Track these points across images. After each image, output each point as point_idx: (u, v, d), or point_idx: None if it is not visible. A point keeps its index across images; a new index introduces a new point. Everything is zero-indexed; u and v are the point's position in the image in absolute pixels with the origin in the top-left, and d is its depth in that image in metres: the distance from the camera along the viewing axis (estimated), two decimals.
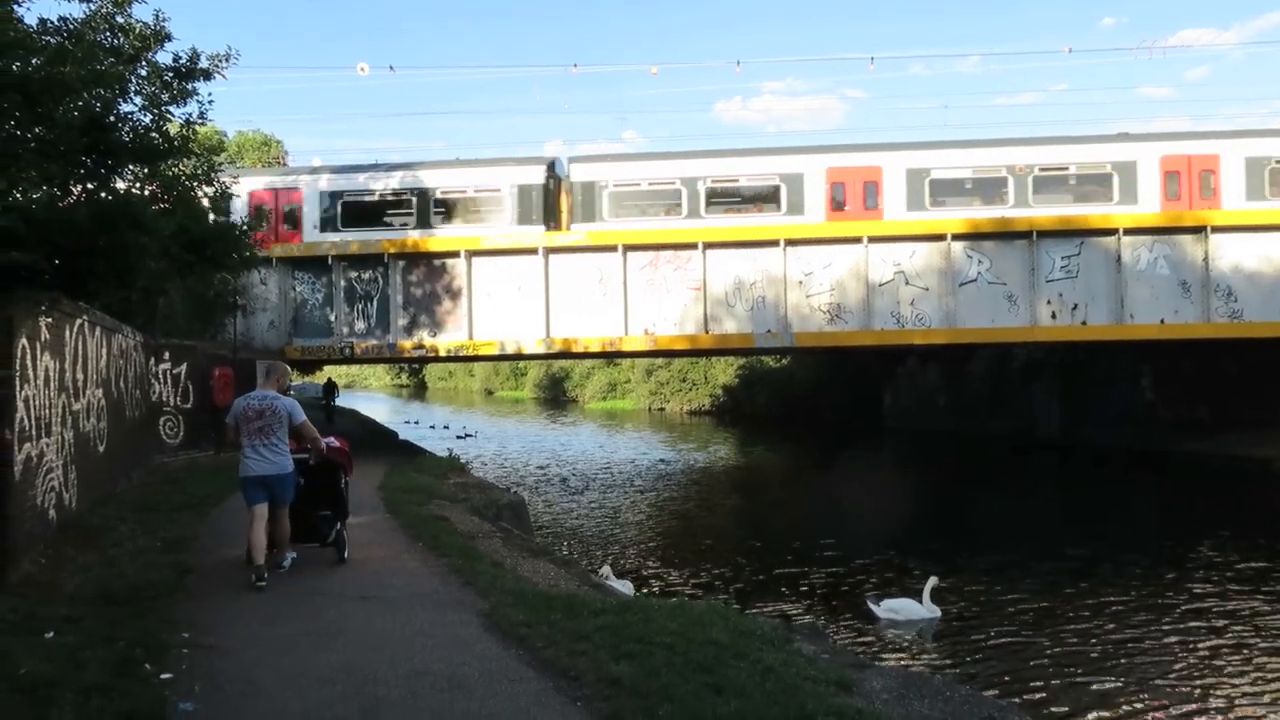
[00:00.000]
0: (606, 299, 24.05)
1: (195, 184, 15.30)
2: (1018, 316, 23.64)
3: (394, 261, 24.50)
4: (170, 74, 13.46)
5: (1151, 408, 31.65)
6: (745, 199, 24.36)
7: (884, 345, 26.34)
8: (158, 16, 13.17)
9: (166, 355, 18.63)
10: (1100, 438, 31.39)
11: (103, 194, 11.84)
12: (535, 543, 13.63)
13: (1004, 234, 23.44)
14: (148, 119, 13.07)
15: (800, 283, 23.87)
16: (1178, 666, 10.67)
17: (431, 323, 24.62)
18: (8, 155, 9.53)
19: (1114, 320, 23.42)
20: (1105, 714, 9.26)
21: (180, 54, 13.59)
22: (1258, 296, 23.23)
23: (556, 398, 77.80)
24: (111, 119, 12.03)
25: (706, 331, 24.12)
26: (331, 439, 9.65)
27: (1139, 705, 9.48)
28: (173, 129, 13.55)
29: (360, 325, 24.79)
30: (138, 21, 12.99)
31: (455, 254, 24.23)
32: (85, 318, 11.01)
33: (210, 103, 13.86)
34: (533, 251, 23.96)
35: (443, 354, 25.70)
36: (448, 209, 24.48)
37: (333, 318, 24.69)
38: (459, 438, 40.45)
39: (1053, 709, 9.33)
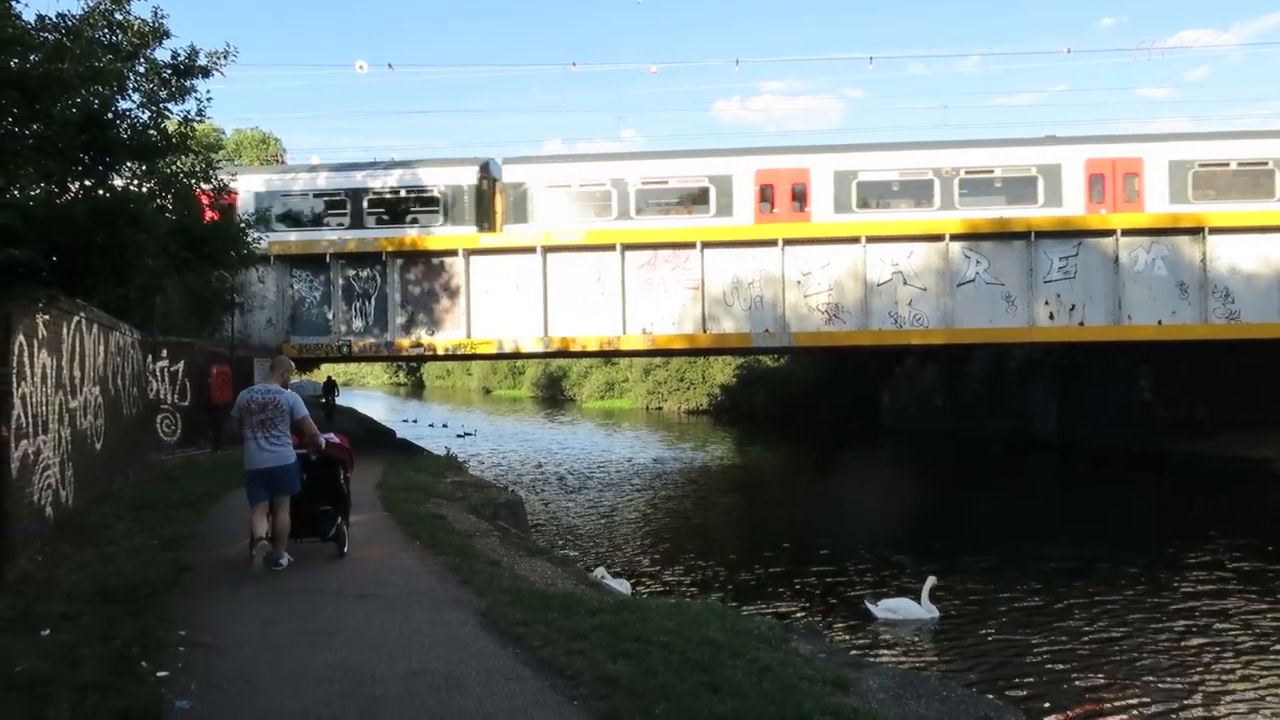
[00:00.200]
0: (605, 298, 24.05)
1: (193, 181, 15.28)
2: (1015, 317, 23.66)
3: (392, 260, 24.49)
4: (169, 71, 13.43)
5: (1149, 408, 31.69)
6: (675, 200, 24.45)
7: (882, 345, 26.37)
8: (156, 13, 13.16)
9: (164, 353, 18.63)
10: (1097, 438, 31.42)
11: (100, 191, 11.83)
12: (532, 541, 13.65)
13: (1002, 234, 23.46)
14: (146, 116, 13.05)
15: (798, 282, 23.88)
16: (1174, 666, 10.70)
17: (429, 321, 24.61)
18: (5, 152, 9.52)
19: (1112, 321, 23.45)
20: (1101, 713, 9.28)
21: (179, 51, 13.57)
22: (1255, 298, 23.26)
23: (554, 396, 77.78)
24: (110, 116, 12.01)
25: (704, 331, 24.13)
26: (331, 435, 9.74)
27: (1135, 704, 9.50)
28: (171, 126, 13.53)
29: (358, 323, 24.78)
30: (136, 18, 12.97)
31: (453, 252, 24.23)
32: (83, 315, 11.00)
33: (209, 100, 13.84)
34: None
35: (440, 352, 25.70)
36: (382, 209, 24.51)
37: (330, 316, 24.68)
38: (458, 436, 40.44)
39: (1049, 708, 9.35)
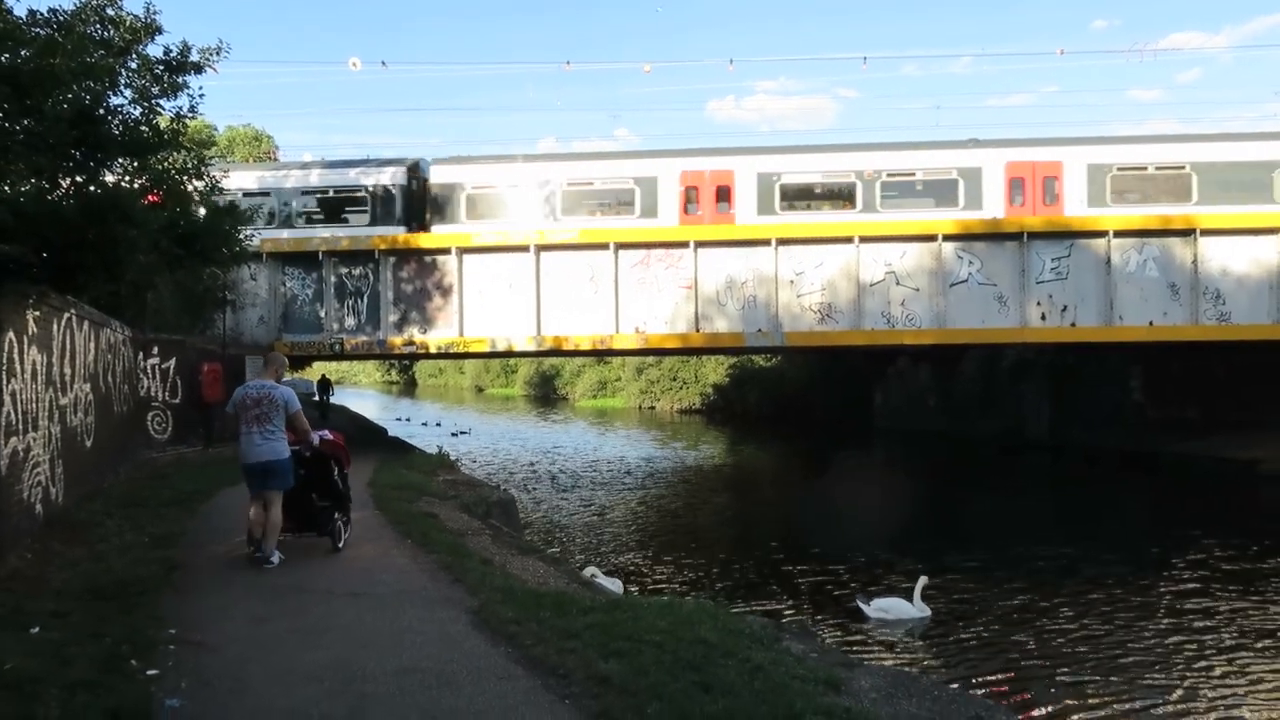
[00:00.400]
0: (598, 297, 24.04)
1: (185, 178, 15.24)
2: (1008, 317, 23.71)
3: (384, 257, 24.42)
4: (161, 67, 13.42)
5: (1140, 409, 31.81)
6: (601, 202, 24.50)
7: (875, 345, 26.40)
8: (148, 9, 13.13)
9: (155, 350, 18.55)
10: (1089, 438, 31.53)
11: (92, 187, 11.79)
12: (524, 540, 13.64)
13: (994, 235, 23.52)
14: (138, 112, 13.03)
15: (791, 282, 23.90)
16: (1164, 664, 10.74)
17: (422, 319, 24.56)
18: None
19: (1103, 322, 23.52)
20: (1092, 712, 9.31)
21: (171, 47, 13.58)
22: (1245, 299, 23.35)
23: (547, 395, 77.75)
24: (101, 112, 12.00)
25: (697, 330, 24.13)
26: (325, 432, 9.86)
27: (1126, 703, 9.54)
28: (163, 122, 13.50)
29: (350, 321, 24.72)
30: (128, 14, 12.95)
31: (446, 250, 24.20)
32: (73, 312, 10.95)
33: (201, 96, 13.84)
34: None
35: (433, 351, 25.65)
36: (314, 209, 24.50)
37: (323, 313, 24.61)
38: (453, 435, 40.37)
39: (1040, 708, 9.38)
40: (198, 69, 13.74)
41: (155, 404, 18.67)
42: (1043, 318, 23.63)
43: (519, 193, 24.35)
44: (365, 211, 24.49)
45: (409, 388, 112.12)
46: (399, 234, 24.13)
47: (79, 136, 11.15)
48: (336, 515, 9.49)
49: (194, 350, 20.33)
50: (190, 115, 13.95)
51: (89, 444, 12.17)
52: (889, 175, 23.78)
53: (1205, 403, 29.64)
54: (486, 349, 25.27)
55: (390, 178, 24.56)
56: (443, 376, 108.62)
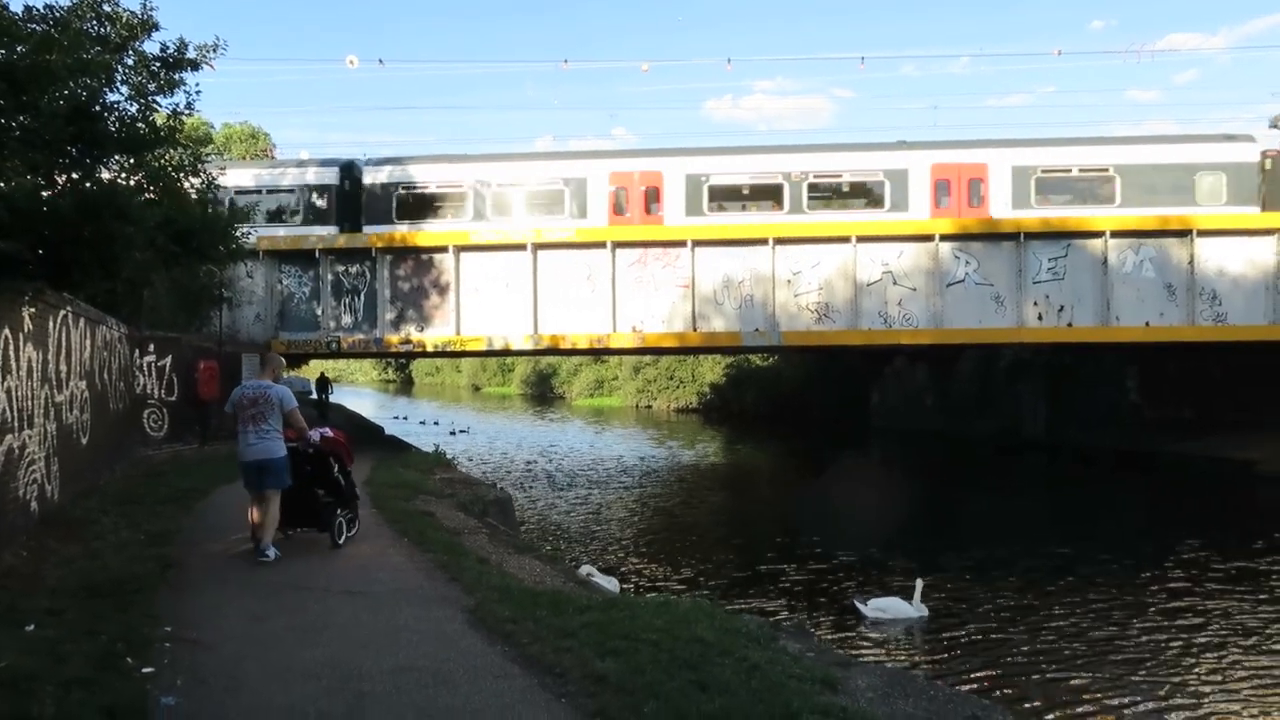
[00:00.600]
0: (595, 295, 24.03)
1: (181, 175, 15.21)
2: (1005, 317, 23.74)
3: (381, 256, 24.40)
4: (157, 64, 13.38)
5: (1137, 409, 31.86)
6: (533, 203, 24.54)
7: (871, 345, 26.42)
8: (145, 5, 13.10)
9: (151, 348, 18.51)
10: (1085, 438, 31.56)
11: (88, 184, 11.76)
12: (521, 539, 13.63)
13: (991, 235, 23.55)
14: (134, 109, 12.98)
15: (788, 281, 23.91)
16: (1160, 663, 10.76)
17: (419, 317, 24.54)
18: None
19: (1100, 322, 23.55)
20: (1089, 711, 9.32)
21: (168, 44, 13.53)
22: (1241, 300, 23.40)
23: (544, 394, 77.70)
24: (97, 108, 11.95)
25: (694, 329, 24.13)
26: (326, 429, 9.99)
27: (1122, 702, 9.55)
28: (159, 119, 13.46)
29: (347, 319, 24.70)
30: (125, 10, 12.92)
31: (443, 249, 24.18)
32: (69, 309, 10.93)
33: (198, 93, 13.80)
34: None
35: (430, 349, 25.63)
36: (245, 208, 24.55)
37: (319, 311, 24.59)
38: (451, 434, 40.30)
39: (1037, 707, 9.38)
40: (194, 66, 13.71)
41: (151, 401, 18.63)
42: (1039, 318, 23.66)
43: (450, 193, 24.43)
44: (299, 211, 24.56)
45: (405, 386, 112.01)
46: (332, 234, 24.15)
47: (75, 133, 11.11)
48: (340, 512, 9.58)
49: (190, 348, 20.29)
50: (187, 112, 13.92)
51: (85, 441, 12.14)
52: (815, 176, 23.92)
53: (1201, 403, 29.69)
54: (483, 347, 25.26)
55: (322, 178, 24.65)
56: (439, 375, 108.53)
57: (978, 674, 10.29)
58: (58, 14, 11.69)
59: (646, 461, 32.43)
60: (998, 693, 9.51)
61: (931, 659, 10.87)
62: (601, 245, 23.82)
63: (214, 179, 16.69)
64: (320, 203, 24.01)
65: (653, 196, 23.94)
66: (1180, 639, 11.70)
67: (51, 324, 10.15)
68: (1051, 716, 9.20)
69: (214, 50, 13.78)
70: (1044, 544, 17.06)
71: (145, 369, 18.22)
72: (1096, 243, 23.42)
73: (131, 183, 13.41)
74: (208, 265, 19.33)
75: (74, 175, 11.82)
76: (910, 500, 23.23)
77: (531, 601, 7.42)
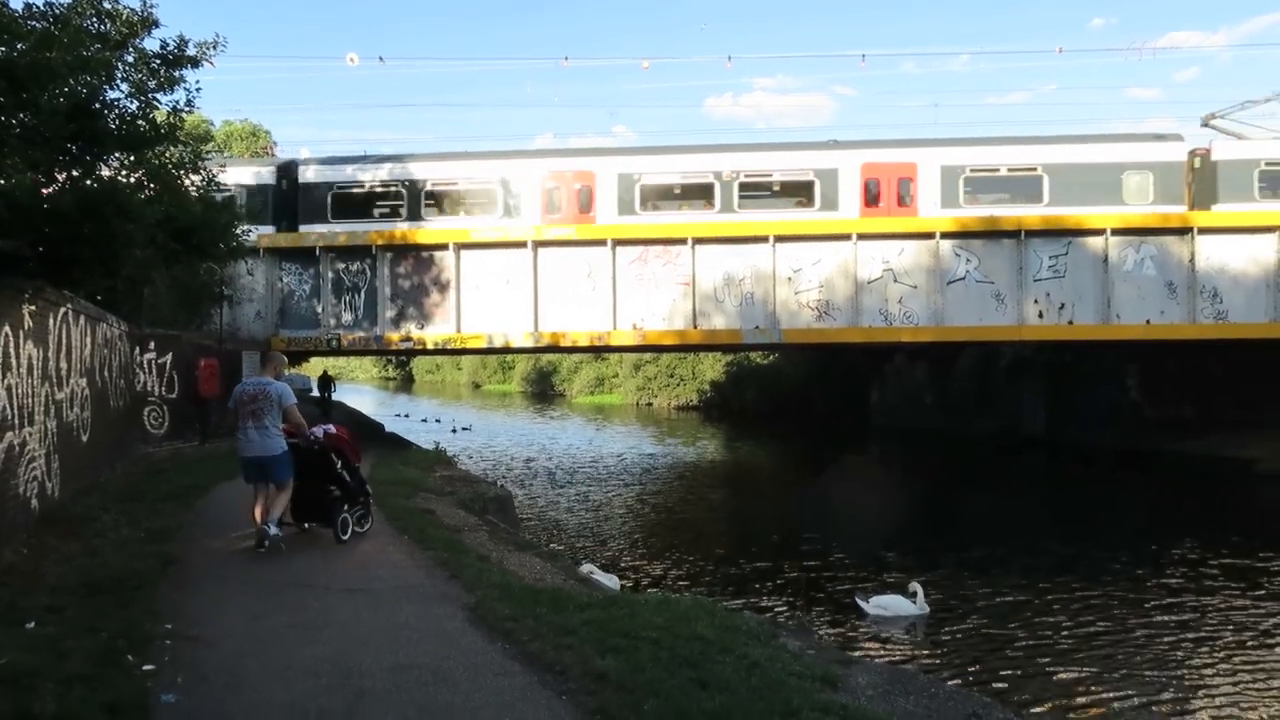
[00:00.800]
0: (595, 293, 24.03)
1: (182, 172, 15.20)
2: (1005, 315, 23.73)
3: (382, 253, 24.40)
4: (157, 61, 13.36)
5: (1137, 407, 31.83)
6: (468, 201, 24.59)
7: (872, 342, 26.42)
8: (145, 3, 13.09)
9: (152, 345, 18.50)
10: (1086, 437, 31.54)
11: (88, 181, 11.75)
12: (521, 536, 13.62)
13: (992, 233, 23.54)
14: (134, 106, 12.96)
15: (789, 279, 23.91)
16: (1160, 661, 10.76)
17: (419, 315, 24.55)
18: None
19: (1101, 320, 23.54)
20: (1089, 708, 9.32)
21: (168, 41, 13.51)
22: (1242, 298, 23.39)
23: (544, 391, 77.72)
24: (98, 106, 11.93)
25: (695, 327, 24.13)
26: (329, 426, 10.11)
27: (1122, 699, 9.56)
28: (160, 117, 13.45)
29: (347, 317, 24.71)
30: (125, 7, 12.90)
31: (444, 246, 24.18)
32: (69, 306, 10.92)
33: (198, 91, 13.78)
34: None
35: (430, 346, 25.64)
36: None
37: (320, 309, 24.59)
38: (452, 431, 40.25)
39: (1037, 704, 9.39)
40: (194, 63, 13.68)
41: (152, 399, 18.62)
42: (1040, 316, 23.65)
43: (384, 192, 24.44)
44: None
45: (406, 383, 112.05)
46: (270, 234, 24.18)
47: (75, 130, 11.10)
48: (347, 508, 9.66)
49: (191, 345, 20.27)
50: (187, 110, 13.89)
51: (85, 439, 12.14)
52: (746, 176, 23.99)
53: (1202, 401, 29.67)
54: (484, 345, 25.27)
55: (260, 178, 24.71)
56: (440, 372, 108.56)
57: (978, 671, 10.30)
58: (58, 11, 11.68)
59: (647, 459, 32.43)
60: (998, 690, 9.51)
61: (932, 656, 10.87)
62: (602, 243, 23.83)
63: (214, 176, 16.68)
64: (257, 203, 24.05)
65: (586, 196, 24.06)
66: (1180, 636, 11.71)
67: (52, 321, 10.15)
68: (1052, 714, 9.21)
69: (214, 47, 13.76)
70: (1044, 542, 17.07)
71: (146, 366, 18.21)
72: (1097, 240, 23.41)
73: (132, 180, 13.41)
74: (208, 263, 19.32)
75: (74, 173, 11.80)
76: (910, 498, 23.23)
77: (532, 599, 7.42)
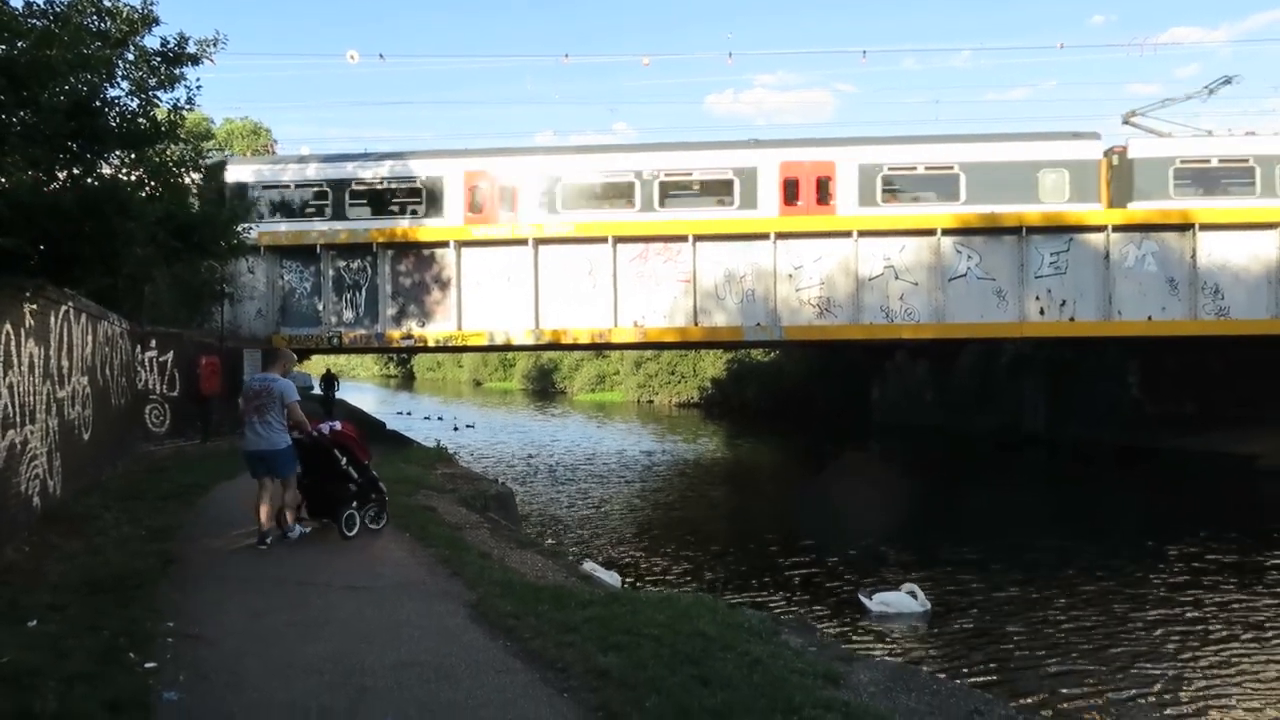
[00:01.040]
0: (596, 290, 24.04)
1: (182, 170, 15.19)
2: (1006, 312, 23.73)
3: (383, 251, 24.41)
4: (158, 59, 13.35)
5: (1138, 404, 31.81)
6: (390, 201, 24.63)
7: (873, 339, 26.43)
8: (145, 0, 13.05)
9: (153, 343, 18.50)
10: (1086, 433, 31.52)
11: (89, 179, 11.74)
12: (523, 534, 13.62)
13: (994, 229, 23.52)
14: (135, 104, 12.96)
15: (790, 276, 23.91)
16: (1162, 657, 10.77)
17: (420, 312, 24.56)
18: None
19: (1102, 316, 23.53)
20: (1090, 704, 9.33)
21: (168, 38, 13.51)
22: (1244, 294, 23.38)
23: (545, 389, 77.70)
24: (98, 103, 11.92)
25: (696, 324, 24.14)
26: (335, 423, 10.23)
27: (1123, 695, 9.56)
28: (160, 114, 13.43)
29: (348, 314, 24.72)
30: (125, 5, 12.88)
31: (445, 244, 24.19)
32: (70, 304, 10.92)
33: (198, 88, 13.77)
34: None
35: (431, 344, 25.66)
36: None
37: (321, 307, 24.60)
38: (454, 429, 40.20)
39: (1039, 701, 9.39)
40: (195, 61, 13.67)
41: (153, 397, 18.62)
42: (1041, 312, 23.65)
43: (308, 192, 24.52)
44: None
45: (407, 381, 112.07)
46: None
47: (76, 128, 11.09)
48: (356, 505, 9.73)
49: (192, 343, 20.28)
50: (188, 107, 13.88)
51: (86, 437, 12.14)
52: (667, 175, 24.08)
53: (1203, 398, 29.64)
54: (485, 342, 25.29)
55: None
56: (440, 370, 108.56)
57: (980, 668, 10.29)
58: (58, 9, 11.67)
59: (648, 456, 32.44)
60: (1000, 686, 9.51)
61: (934, 653, 10.88)
62: (603, 240, 23.83)
63: (217, 174, 16.69)
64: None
65: (509, 195, 24.17)
66: (1180, 632, 11.71)
67: (53, 320, 10.14)
68: (1053, 710, 9.21)
69: (214, 45, 13.76)
70: (1045, 539, 17.05)
71: (147, 364, 18.22)
72: (1098, 237, 23.41)
73: (132, 178, 13.40)
74: (209, 260, 19.32)
75: (75, 170, 11.80)
76: (911, 495, 23.20)
77: (533, 596, 7.41)
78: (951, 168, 23.68)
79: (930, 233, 23.43)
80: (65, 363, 10.73)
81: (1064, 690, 9.73)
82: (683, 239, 23.78)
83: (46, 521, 9.60)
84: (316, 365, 42.78)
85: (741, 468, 31.71)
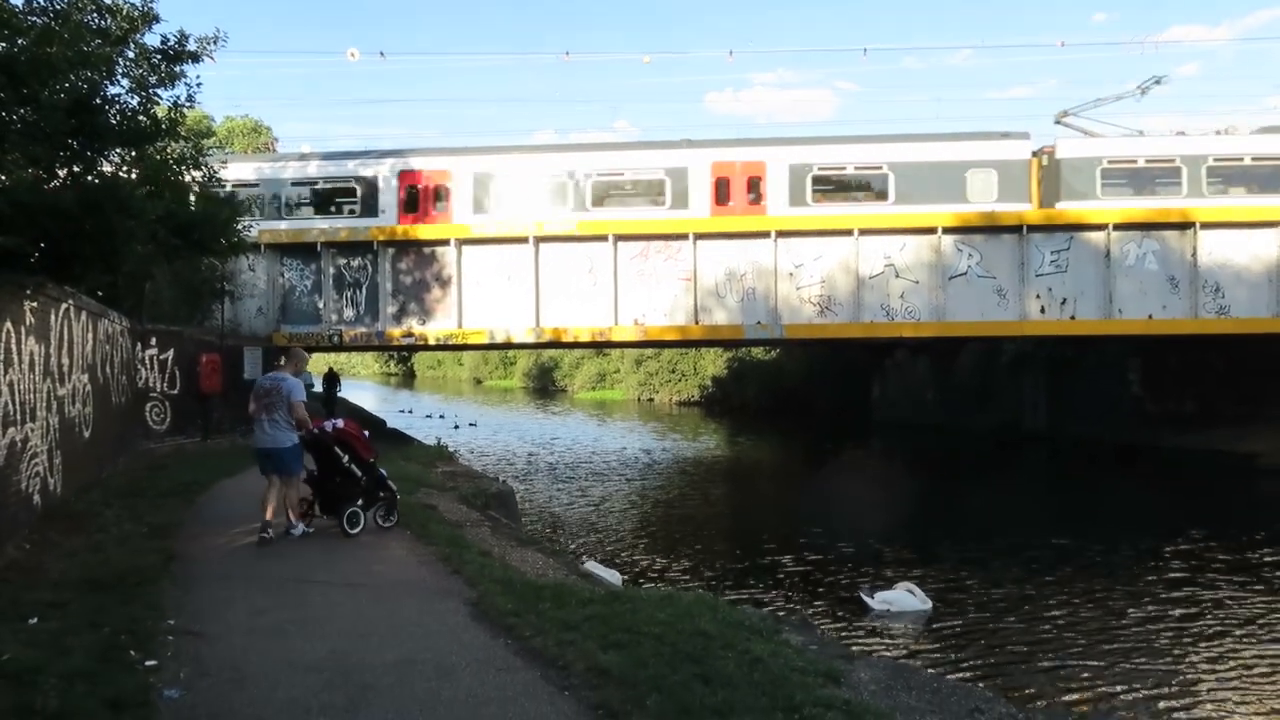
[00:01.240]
0: (596, 288, 24.04)
1: (183, 168, 15.18)
2: (1007, 310, 23.71)
3: (383, 249, 24.40)
4: (158, 56, 13.35)
5: (1138, 402, 31.79)
6: (328, 200, 24.65)
7: (874, 338, 26.43)
8: None
9: (153, 341, 18.51)
10: (1087, 432, 31.52)
11: (89, 177, 11.73)
12: (523, 532, 13.63)
13: (994, 228, 23.51)
14: (135, 101, 12.95)
15: (791, 274, 23.90)
16: (1162, 654, 10.78)
17: (421, 310, 24.56)
18: None
19: (1103, 315, 23.52)
20: (1091, 702, 9.33)
21: (168, 36, 13.50)
22: (1245, 292, 23.36)
23: (545, 387, 77.71)
24: (98, 101, 11.91)
25: (696, 322, 24.13)
26: (338, 421, 10.31)
27: (1124, 692, 9.57)
28: (160, 112, 13.43)
29: (349, 312, 24.72)
30: (125, 2, 12.87)
31: (445, 242, 24.19)
32: (71, 302, 10.92)
33: (199, 86, 13.77)
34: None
35: (432, 342, 25.65)
36: None
37: (321, 304, 24.59)
38: (455, 428, 40.17)
39: (1040, 698, 9.38)
40: (195, 58, 13.66)
41: (153, 395, 18.63)
42: (1042, 310, 23.63)
43: (246, 192, 24.25)
44: None
45: (407, 379, 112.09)
46: None
47: (76, 126, 11.08)
48: (361, 503, 9.79)
49: (192, 341, 20.28)
50: (188, 105, 13.88)
51: (87, 435, 12.15)
52: (599, 175, 24.14)
53: (1203, 396, 29.63)
54: (485, 340, 25.28)
55: None
56: (441, 368, 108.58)
57: (980, 665, 10.31)
58: (58, 6, 11.65)
59: (649, 454, 32.44)
60: (1000, 684, 9.51)
61: (935, 651, 10.88)
62: (604, 238, 23.82)
63: (215, 172, 16.67)
64: None
65: (442, 195, 24.21)
66: (1181, 630, 11.73)
67: (53, 317, 10.15)
68: (1054, 708, 9.20)
69: (214, 43, 13.74)
70: (1045, 537, 17.06)
71: (147, 362, 18.22)
72: (1099, 235, 23.40)
73: (133, 176, 13.39)
74: (209, 258, 19.31)
75: (75, 168, 11.78)
76: (911, 493, 23.26)
77: (534, 594, 7.41)
78: (880, 168, 23.74)
79: (931, 231, 23.41)
80: (66, 360, 10.73)
81: (1064, 688, 9.74)
82: (683, 237, 23.77)
83: (47, 519, 9.61)
84: (317, 363, 42.74)
85: (742, 466, 31.72)
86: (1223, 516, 19.29)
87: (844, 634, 11.14)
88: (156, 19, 13.22)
